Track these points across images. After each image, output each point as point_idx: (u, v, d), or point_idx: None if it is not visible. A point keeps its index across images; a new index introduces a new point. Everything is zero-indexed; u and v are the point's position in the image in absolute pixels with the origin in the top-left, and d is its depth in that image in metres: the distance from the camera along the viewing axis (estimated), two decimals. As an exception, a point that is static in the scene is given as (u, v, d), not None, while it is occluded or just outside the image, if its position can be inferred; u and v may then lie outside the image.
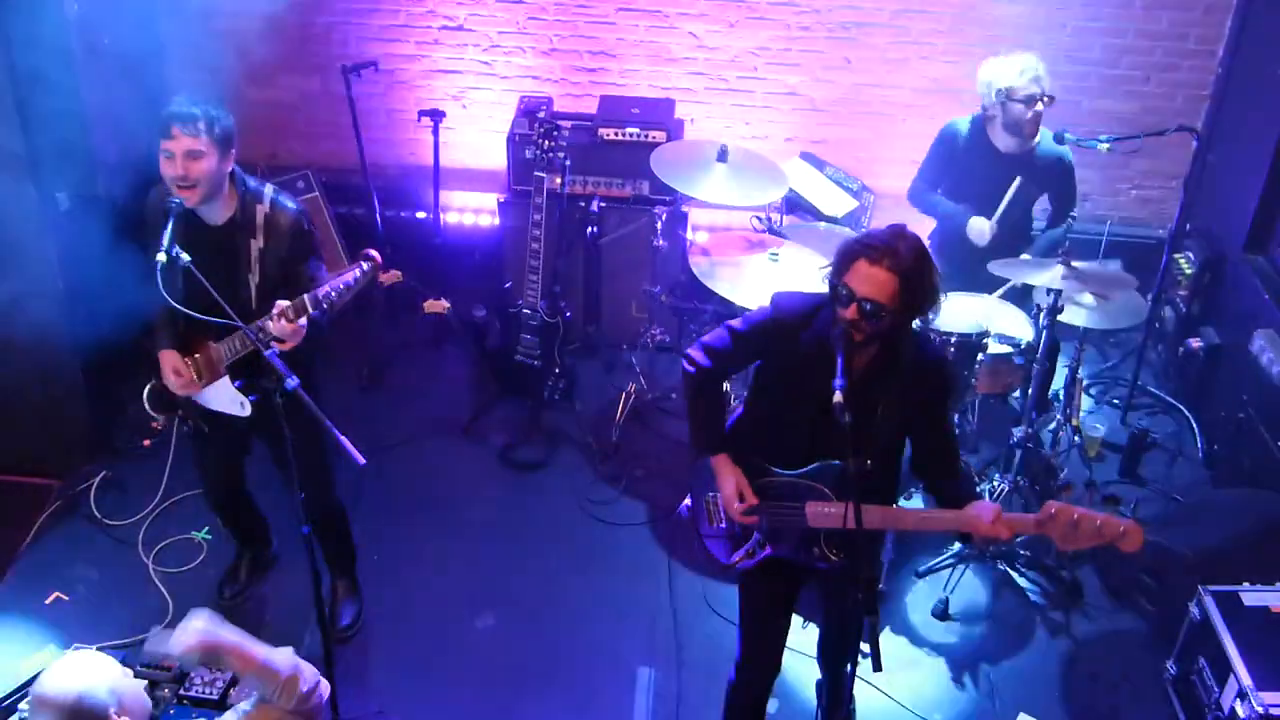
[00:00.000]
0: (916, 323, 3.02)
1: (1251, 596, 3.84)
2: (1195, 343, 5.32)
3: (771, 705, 3.78)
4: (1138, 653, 4.26)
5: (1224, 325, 5.28)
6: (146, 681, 3.03)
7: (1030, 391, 4.43)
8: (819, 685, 3.86)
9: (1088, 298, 4.47)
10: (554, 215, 4.99)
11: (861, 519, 2.78)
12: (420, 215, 5.92)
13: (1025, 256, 4.65)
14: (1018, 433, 4.48)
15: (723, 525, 3.36)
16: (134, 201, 4.90)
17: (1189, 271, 5.45)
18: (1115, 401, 5.53)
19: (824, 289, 3.03)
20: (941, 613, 4.36)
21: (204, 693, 3.33)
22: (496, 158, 5.72)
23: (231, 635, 2.80)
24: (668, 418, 5.26)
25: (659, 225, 5.13)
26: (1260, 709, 3.49)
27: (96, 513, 4.65)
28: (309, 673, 2.85)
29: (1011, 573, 4.52)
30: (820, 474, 3.12)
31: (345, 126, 5.47)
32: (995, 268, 4.40)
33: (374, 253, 3.40)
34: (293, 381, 2.97)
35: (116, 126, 4.98)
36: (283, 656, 2.83)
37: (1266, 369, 4.72)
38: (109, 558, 4.49)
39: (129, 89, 5.15)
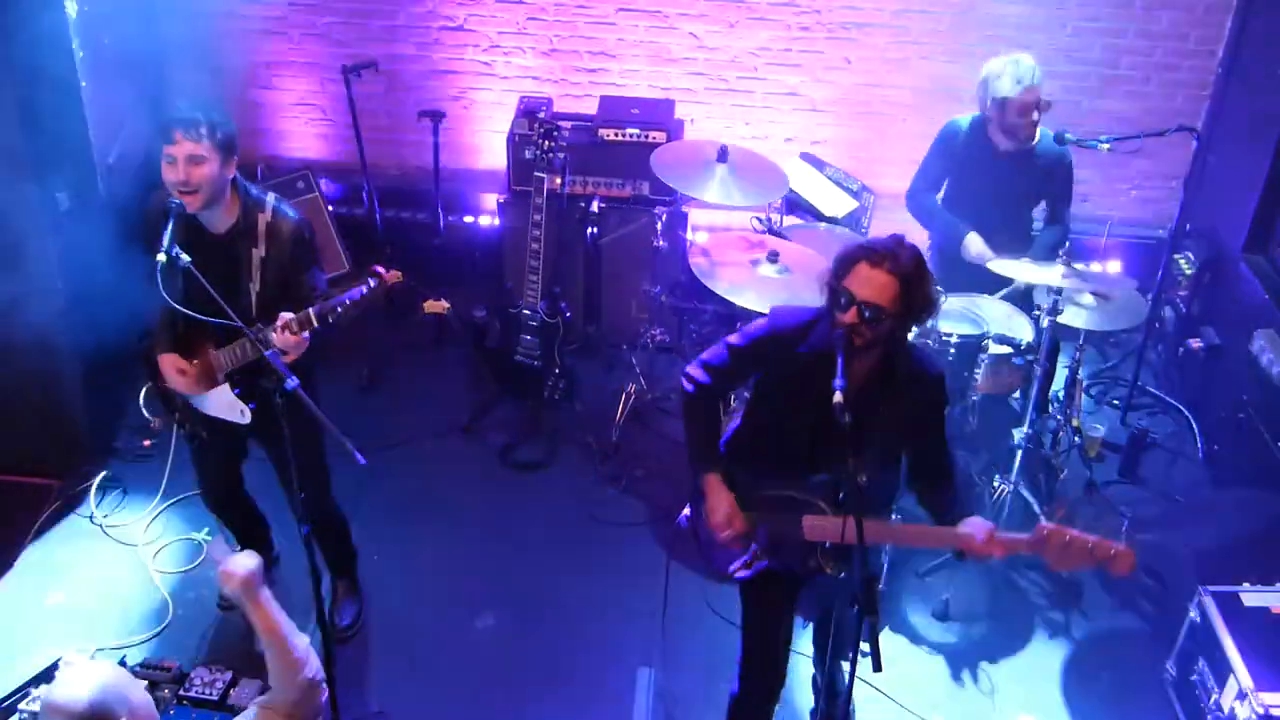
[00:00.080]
0: (914, 331, 3.05)
1: (1251, 597, 3.85)
2: (1195, 343, 5.32)
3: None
4: (1138, 653, 4.27)
5: (1224, 325, 5.28)
6: (146, 682, 3.03)
7: (1032, 392, 4.43)
8: (815, 680, 3.87)
9: (1088, 298, 4.47)
10: (554, 215, 4.99)
11: (861, 528, 2.79)
12: (420, 215, 5.92)
13: (1025, 261, 4.65)
14: (1018, 434, 4.48)
15: None
16: (135, 202, 4.92)
17: (1189, 271, 5.45)
18: (1115, 402, 5.53)
19: (822, 300, 3.06)
20: (941, 613, 4.36)
21: (204, 693, 3.33)
22: (496, 158, 5.73)
23: (268, 595, 2.87)
24: (668, 418, 5.26)
25: (659, 225, 5.13)
26: (1260, 710, 3.49)
27: (96, 513, 4.65)
28: (315, 663, 2.88)
29: (1011, 573, 4.52)
30: (817, 488, 3.14)
31: (345, 126, 5.47)
32: (996, 269, 4.40)
33: (381, 269, 3.39)
34: (292, 382, 2.97)
35: (117, 127, 4.99)
36: (301, 640, 2.87)
37: (1266, 369, 4.72)
38: (109, 558, 4.49)
39: (130, 89, 5.16)
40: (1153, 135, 4.71)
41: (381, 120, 5.94)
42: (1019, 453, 4.46)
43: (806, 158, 5.63)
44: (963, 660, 4.22)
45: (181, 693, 3.33)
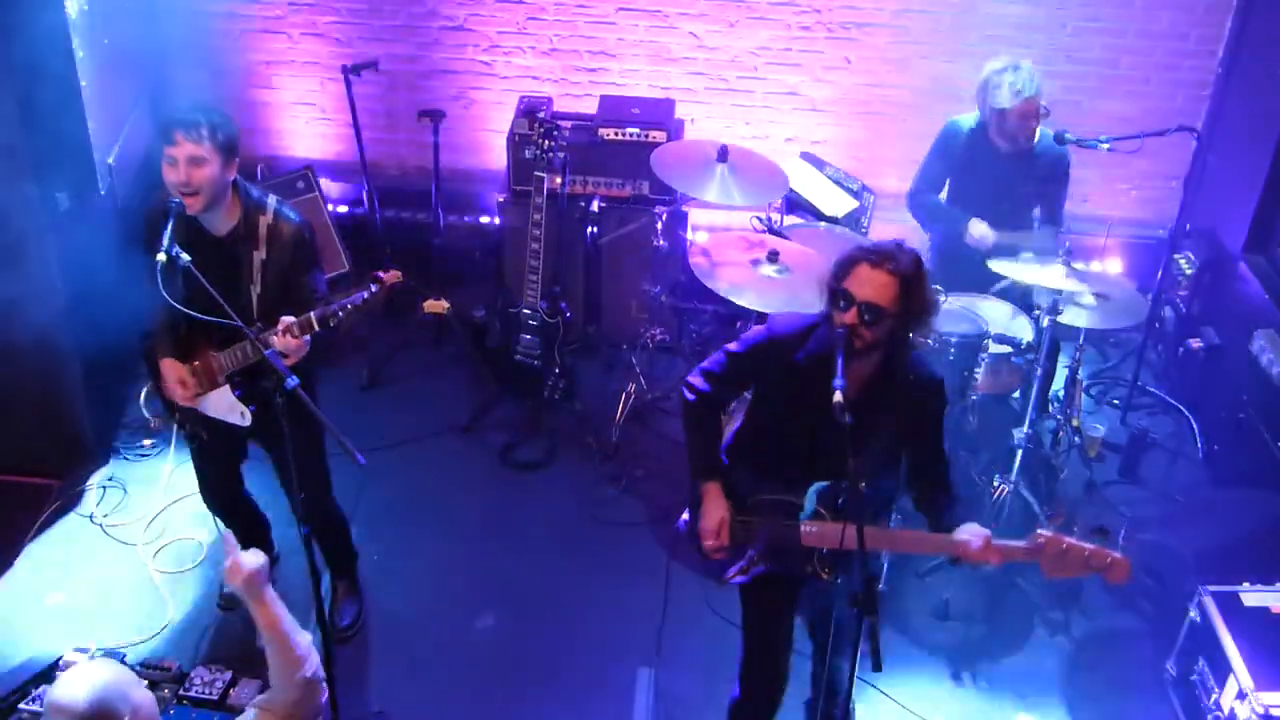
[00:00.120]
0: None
1: (1251, 596, 3.85)
2: (1195, 343, 5.32)
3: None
4: (1138, 653, 4.26)
5: (1224, 325, 5.28)
6: (147, 682, 3.03)
7: (1032, 393, 4.43)
8: (813, 677, 3.86)
9: (1088, 298, 4.47)
10: (554, 215, 4.99)
11: (862, 535, 2.80)
12: (420, 215, 5.92)
13: (1026, 255, 4.66)
14: (1018, 434, 4.48)
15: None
16: (136, 202, 4.93)
17: (1189, 271, 5.45)
18: (1115, 401, 5.53)
19: (821, 303, 3.07)
20: (941, 613, 4.36)
21: (204, 693, 3.33)
22: (497, 158, 5.72)
23: (273, 594, 2.88)
24: (668, 418, 5.25)
25: (659, 225, 5.13)
26: (1260, 710, 3.49)
27: (96, 513, 4.65)
28: (315, 662, 2.89)
29: (1011, 572, 4.51)
30: (816, 494, 3.15)
31: (345, 126, 5.47)
32: (996, 265, 4.40)
33: (383, 275, 3.39)
34: (292, 381, 2.97)
35: (117, 127, 5.00)
36: (303, 638, 2.88)
37: (1266, 369, 4.72)
38: (109, 558, 4.49)
39: (130, 89, 5.16)
40: (1153, 135, 4.71)
41: (381, 120, 5.95)
42: (1019, 453, 4.45)
43: (806, 157, 5.62)
44: (963, 660, 4.23)
45: (181, 692, 3.33)
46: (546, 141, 4.76)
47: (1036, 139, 4.65)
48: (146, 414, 4.96)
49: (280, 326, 3.28)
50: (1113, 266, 5.37)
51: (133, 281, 3.27)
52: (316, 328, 3.31)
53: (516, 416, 5.19)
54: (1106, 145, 4.63)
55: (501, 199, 5.53)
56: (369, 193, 5.51)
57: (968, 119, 4.77)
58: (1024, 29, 5.45)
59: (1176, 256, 5.36)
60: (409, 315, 5.59)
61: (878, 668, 2.73)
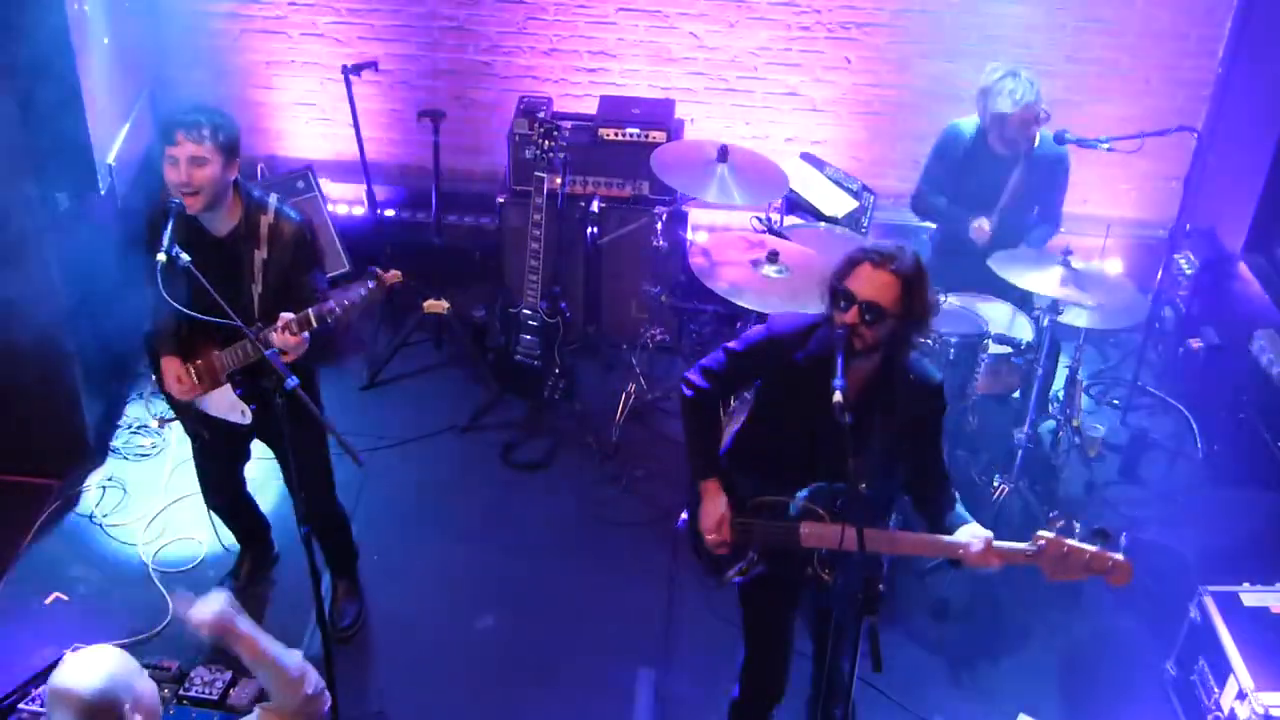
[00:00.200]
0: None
1: (1251, 597, 3.85)
2: (1195, 343, 5.32)
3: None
4: (1138, 653, 4.26)
5: (1224, 325, 5.28)
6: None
7: (1032, 393, 4.43)
8: (813, 677, 3.86)
9: (1088, 298, 4.47)
10: (554, 215, 4.99)
11: (862, 538, 2.80)
12: (420, 215, 5.92)
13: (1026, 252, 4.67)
14: (1018, 434, 4.48)
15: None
16: (135, 202, 4.93)
17: (1189, 271, 5.45)
18: (1115, 401, 5.53)
19: (822, 304, 3.06)
20: (941, 613, 4.36)
21: (204, 692, 3.33)
22: (497, 158, 5.72)
23: (247, 625, 2.80)
24: (668, 418, 5.25)
25: (659, 225, 5.12)
26: (1260, 710, 3.49)
27: (96, 513, 4.65)
28: (314, 677, 2.86)
29: (1011, 572, 4.50)
30: (816, 496, 3.15)
31: (345, 126, 5.47)
32: (996, 264, 4.41)
33: (380, 270, 3.39)
34: (292, 381, 2.97)
35: (117, 127, 4.99)
36: (293, 658, 2.83)
37: (1266, 369, 4.73)
38: (109, 558, 4.49)
39: (130, 89, 5.16)
40: (1153, 135, 4.72)
41: (381, 120, 5.94)
42: (1019, 453, 4.46)
43: (806, 158, 5.62)
44: (963, 660, 4.22)
45: (181, 692, 3.34)
46: (546, 142, 4.76)
47: (1037, 143, 4.65)
48: (148, 412, 4.96)
49: (279, 323, 3.28)
50: (1113, 266, 5.37)
51: (133, 281, 3.27)
52: (315, 324, 3.31)
53: (516, 416, 5.18)
54: (1107, 145, 4.63)
55: (501, 199, 5.52)
56: (369, 193, 5.51)
57: (968, 123, 4.77)
58: (1024, 29, 5.44)
59: (1176, 256, 5.35)
60: (409, 315, 5.59)
61: (878, 668, 2.73)
